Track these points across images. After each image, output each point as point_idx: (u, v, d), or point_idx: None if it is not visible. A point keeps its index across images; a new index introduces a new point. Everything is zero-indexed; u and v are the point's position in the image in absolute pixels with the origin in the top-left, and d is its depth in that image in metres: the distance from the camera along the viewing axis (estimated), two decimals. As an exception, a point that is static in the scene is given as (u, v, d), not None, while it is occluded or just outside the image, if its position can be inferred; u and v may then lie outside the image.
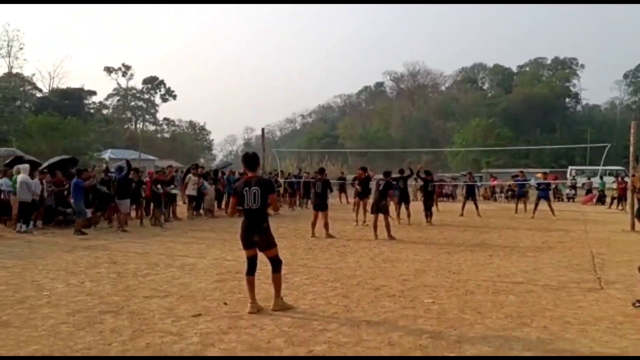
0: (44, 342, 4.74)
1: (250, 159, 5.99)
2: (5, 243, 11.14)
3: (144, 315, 5.58)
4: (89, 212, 13.32)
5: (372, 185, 16.01)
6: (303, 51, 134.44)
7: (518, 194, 20.46)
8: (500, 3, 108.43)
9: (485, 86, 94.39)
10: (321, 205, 12.55)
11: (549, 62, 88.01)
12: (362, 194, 15.17)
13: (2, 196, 13.44)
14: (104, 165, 16.77)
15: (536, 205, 17.67)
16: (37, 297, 6.37)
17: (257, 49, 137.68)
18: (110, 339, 4.81)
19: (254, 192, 5.72)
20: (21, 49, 56.57)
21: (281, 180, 21.66)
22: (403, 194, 15.77)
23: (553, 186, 25.32)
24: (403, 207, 15.61)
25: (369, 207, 13.81)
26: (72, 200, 12.88)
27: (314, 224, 12.44)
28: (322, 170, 13.76)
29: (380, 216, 12.05)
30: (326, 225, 12.31)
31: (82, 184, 12.86)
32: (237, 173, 19.72)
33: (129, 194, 13.58)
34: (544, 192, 18.04)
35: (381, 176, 13.21)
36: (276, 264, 5.83)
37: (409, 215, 15.43)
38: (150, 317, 5.52)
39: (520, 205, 19.59)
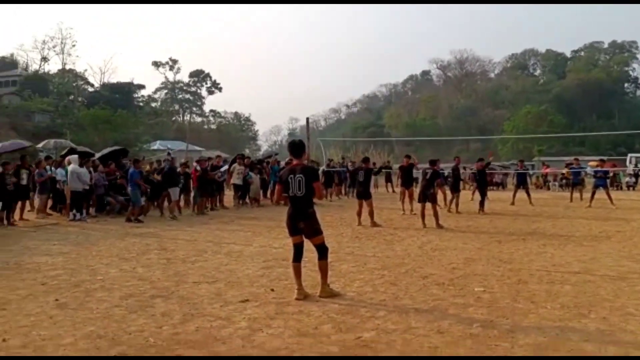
0: (99, 323, 4.86)
1: (296, 146, 5.98)
2: (61, 230, 11.58)
3: (193, 300, 5.66)
4: (142, 201, 13.69)
5: (418, 174, 15.78)
6: (348, 41, 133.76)
7: (573, 182, 19.72)
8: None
9: (537, 72, 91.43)
10: (364, 194, 12.44)
11: (605, 46, 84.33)
12: (406, 183, 14.95)
13: (58, 186, 13.98)
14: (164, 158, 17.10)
15: (593, 193, 16.95)
16: (91, 282, 6.57)
17: (301, 40, 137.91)
18: (161, 322, 4.89)
19: (299, 179, 5.69)
20: (74, 46, 58.96)
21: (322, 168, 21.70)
22: (455, 183, 15.48)
23: (611, 174, 24.30)
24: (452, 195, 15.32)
25: (415, 196, 13.61)
26: (129, 189, 13.32)
27: (359, 213, 12.37)
28: (366, 159, 13.64)
29: (428, 205, 11.85)
30: (371, 214, 12.21)
31: (138, 173, 13.24)
32: (281, 163, 19.79)
33: (178, 182, 13.95)
34: (601, 180, 17.28)
35: (427, 165, 12.98)
36: (322, 250, 5.79)
37: (457, 204, 15.11)
38: (199, 302, 5.58)
39: (576, 194, 18.89)
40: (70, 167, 13.25)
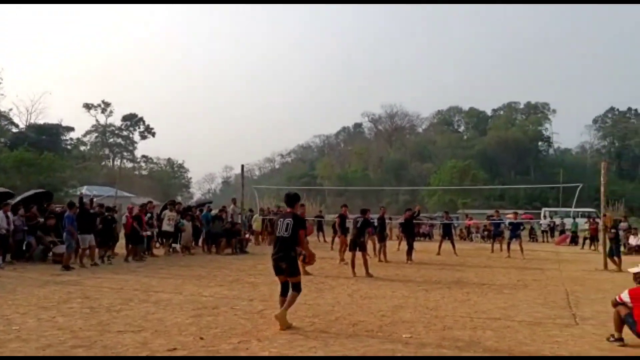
0: (13, 376, 4.59)
1: (290, 198, 6.89)
2: (-27, 278, 10.81)
3: (117, 350, 5.46)
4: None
5: (349, 223, 16.07)
6: (282, 92, 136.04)
7: (494, 233, 20.69)
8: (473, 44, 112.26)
9: (461, 128, 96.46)
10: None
11: (522, 106, 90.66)
12: (345, 231, 15.14)
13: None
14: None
15: (508, 244, 17.98)
16: (5, 332, 6.18)
17: (236, 89, 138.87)
18: (82, 373, 4.68)
19: (287, 222, 6.53)
20: (-1, 83, 56.07)
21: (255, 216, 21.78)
22: (381, 232, 15.83)
23: (528, 226, 25.77)
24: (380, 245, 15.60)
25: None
26: (64, 234, 12.65)
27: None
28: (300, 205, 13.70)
29: (358, 253, 12.06)
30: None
31: (73, 217, 12.65)
32: (213, 210, 19.59)
33: (92, 229, 13.31)
34: (513, 232, 18.35)
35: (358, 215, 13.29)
36: (297, 287, 6.62)
37: (384, 253, 15.43)
38: (123, 352, 5.39)
39: (497, 245, 19.78)
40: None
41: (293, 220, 6.51)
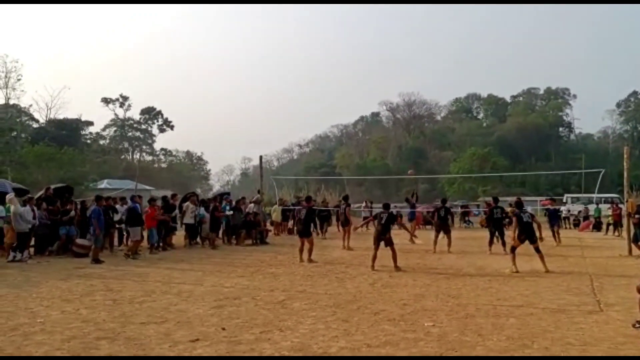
0: (39, 367, 4.66)
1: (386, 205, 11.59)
2: (-1, 272, 11.02)
3: (141, 341, 5.51)
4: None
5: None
6: (300, 81, 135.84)
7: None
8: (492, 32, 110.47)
9: (480, 116, 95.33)
10: (304, 232, 12.85)
11: (541, 92, 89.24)
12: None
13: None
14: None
15: (553, 232, 17.76)
16: (30, 324, 6.28)
17: (254, 81, 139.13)
18: (106, 364, 4.74)
19: (383, 216, 11.24)
20: (19, 80, 56.75)
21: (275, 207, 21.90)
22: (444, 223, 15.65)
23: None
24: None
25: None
26: (91, 228, 12.89)
27: (301, 250, 12.74)
28: (308, 199, 14.14)
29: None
30: (310, 251, 12.61)
31: (101, 211, 12.91)
32: (233, 202, 19.63)
33: (141, 221, 13.83)
34: (553, 219, 18.30)
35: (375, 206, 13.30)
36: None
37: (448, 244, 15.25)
38: (147, 343, 5.44)
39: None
40: (12, 209, 12.65)
41: (388, 215, 11.37)
